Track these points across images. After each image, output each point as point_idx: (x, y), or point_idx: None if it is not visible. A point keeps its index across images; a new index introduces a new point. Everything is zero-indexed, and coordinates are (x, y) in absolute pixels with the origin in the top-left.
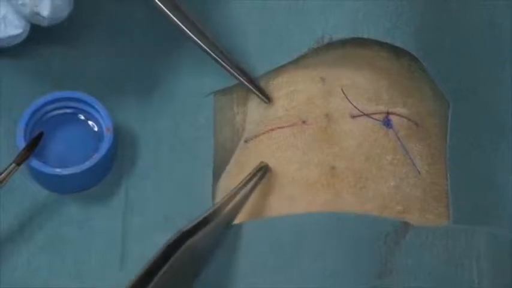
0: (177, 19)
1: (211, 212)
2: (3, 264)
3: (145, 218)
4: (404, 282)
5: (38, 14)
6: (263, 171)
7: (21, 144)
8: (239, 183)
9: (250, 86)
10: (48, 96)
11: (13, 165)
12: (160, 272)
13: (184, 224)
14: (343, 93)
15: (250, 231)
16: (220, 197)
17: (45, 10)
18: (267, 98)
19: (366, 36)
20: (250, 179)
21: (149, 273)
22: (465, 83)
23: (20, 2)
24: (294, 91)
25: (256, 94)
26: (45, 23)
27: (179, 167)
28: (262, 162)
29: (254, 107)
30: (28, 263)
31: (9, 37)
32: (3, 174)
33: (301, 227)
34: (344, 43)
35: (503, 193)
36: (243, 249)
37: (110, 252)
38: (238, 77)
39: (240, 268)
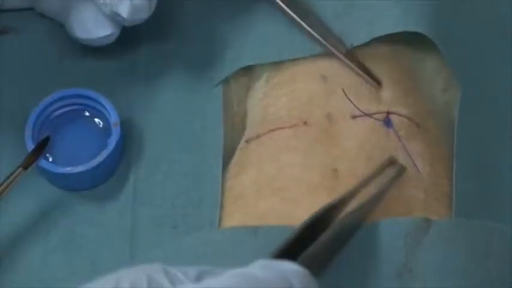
0: None
1: (344, 197)
2: (17, 262)
3: (154, 210)
4: (425, 280)
5: (117, 14)
6: (399, 169)
7: (30, 145)
8: (371, 173)
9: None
10: (54, 95)
11: (20, 169)
12: (317, 242)
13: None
14: (344, 93)
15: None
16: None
17: (124, 11)
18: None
19: (381, 33)
20: (380, 171)
21: (293, 244)
22: (475, 72)
23: (101, 1)
24: (295, 90)
25: (365, 79)
26: (125, 23)
27: (188, 157)
28: (392, 156)
29: (255, 105)
30: (42, 260)
31: (100, 38)
32: (10, 178)
33: None
34: None
35: (508, 186)
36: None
37: (122, 246)
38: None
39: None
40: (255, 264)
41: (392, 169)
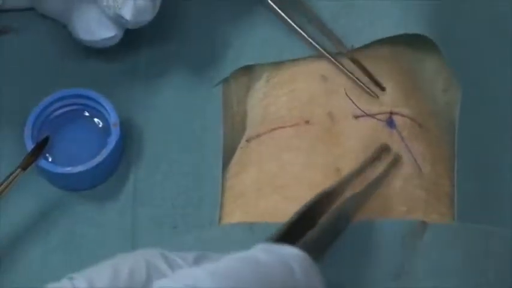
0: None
1: (340, 183)
2: (17, 262)
3: (154, 210)
4: (422, 282)
5: (121, 17)
6: (395, 159)
7: (29, 144)
8: (366, 159)
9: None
10: (54, 95)
11: (18, 170)
12: (316, 228)
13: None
14: (345, 93)
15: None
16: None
17: (127, 13)
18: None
19: (382, 36)
20: (374, 157)
21: (291, 230)
22: (475, 72)
23: (104, 3)
24: (296, 90)
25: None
26: (128, 26)
27: (188, 157)
28: (384, 144)
29: (255, 105)
30: (42, 260)
31: (104, 39)
32: (9, 179)
33: None
34: None
35: (509, 186)
36: None
37: (122, 246)
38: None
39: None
40: (256, 248)
41: (388, 157)
